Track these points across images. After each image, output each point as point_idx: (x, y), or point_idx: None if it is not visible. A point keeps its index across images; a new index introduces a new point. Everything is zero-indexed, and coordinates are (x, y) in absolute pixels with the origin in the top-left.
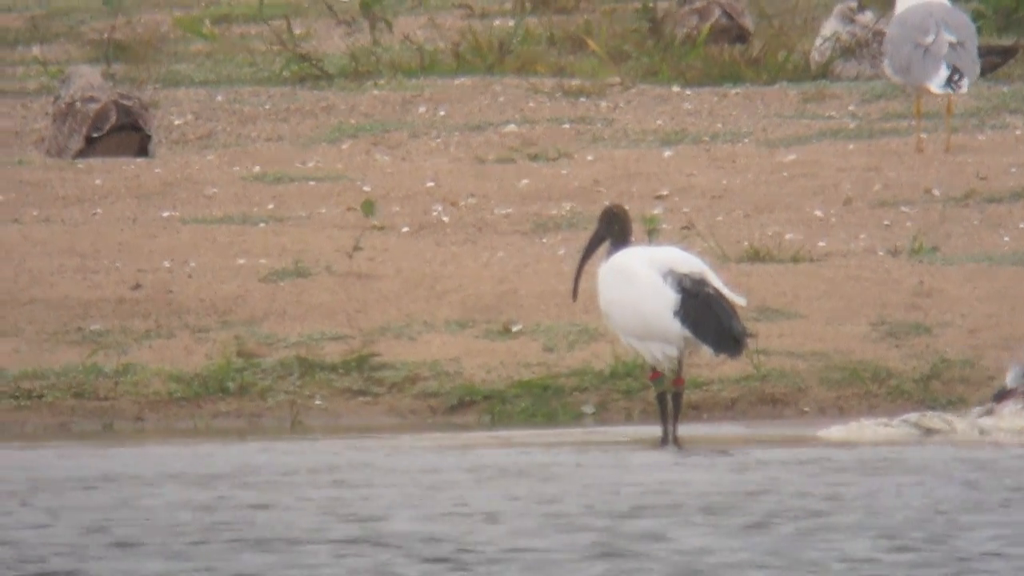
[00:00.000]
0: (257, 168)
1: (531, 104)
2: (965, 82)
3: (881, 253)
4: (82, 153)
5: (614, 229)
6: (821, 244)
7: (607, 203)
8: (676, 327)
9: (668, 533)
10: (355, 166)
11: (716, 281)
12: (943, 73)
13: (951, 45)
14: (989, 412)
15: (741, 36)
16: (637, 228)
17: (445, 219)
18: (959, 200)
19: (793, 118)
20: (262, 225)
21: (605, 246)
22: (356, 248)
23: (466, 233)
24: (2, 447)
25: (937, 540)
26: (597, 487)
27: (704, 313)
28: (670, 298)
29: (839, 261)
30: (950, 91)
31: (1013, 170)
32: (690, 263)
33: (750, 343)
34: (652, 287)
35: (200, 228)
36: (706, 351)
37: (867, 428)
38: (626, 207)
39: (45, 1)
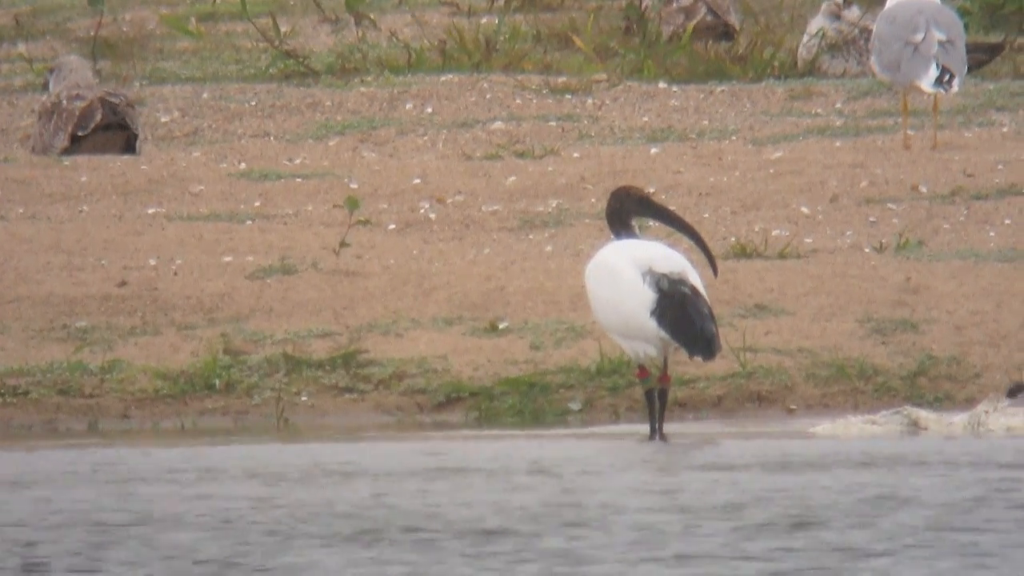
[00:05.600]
0: (243, 165)
1: (518, 101)
2: (956, 82)
3: (868, 250)
4: (68, 151)
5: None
6: (808, 241)
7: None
8: (652, 327)
9: None
10: (342, 163)
11: (696, 280)
12: (933, 72)
13: (941, 43)
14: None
15: (727, 33)
16: None
17: (432, 216)
18: (946, 197)
19: (780, 115)
20: (248, 222)
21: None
22: (343, 245)
23: (453, 230)
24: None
25: None
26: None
27: (679, 314)
28: (647, 298)
29: (826, 258)
30: (941, 91)
31: (1000, 167)
32: (671, 261)
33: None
34: (631, 286)
35: (186, 225)
36: (683, 351)
37: (853, 425)
38: (634, 188)
39: None
